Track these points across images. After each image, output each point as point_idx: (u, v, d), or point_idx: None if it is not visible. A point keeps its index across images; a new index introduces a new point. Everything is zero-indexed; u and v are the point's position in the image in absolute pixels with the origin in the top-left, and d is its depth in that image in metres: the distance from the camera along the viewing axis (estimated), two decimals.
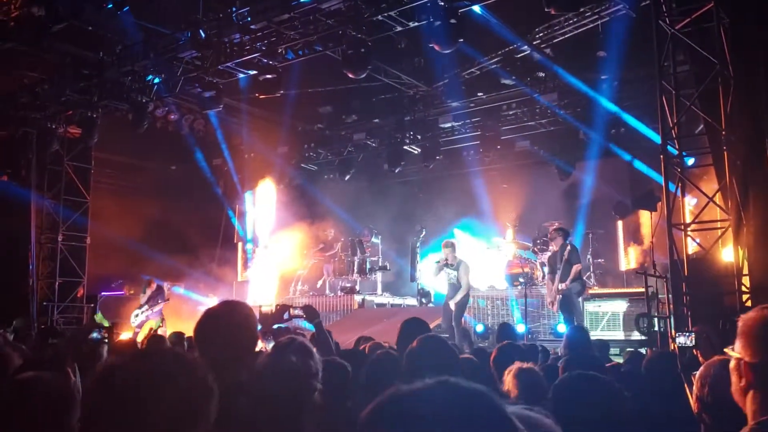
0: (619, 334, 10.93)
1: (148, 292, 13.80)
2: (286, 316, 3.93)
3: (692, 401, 2.44)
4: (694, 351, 3.90)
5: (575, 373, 2.40)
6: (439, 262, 10.92)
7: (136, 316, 13.75)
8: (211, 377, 1.44)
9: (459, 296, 10.49)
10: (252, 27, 10.89)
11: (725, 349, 1.81)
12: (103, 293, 15.57)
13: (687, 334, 4.92)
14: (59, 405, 1.99)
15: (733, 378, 1.73)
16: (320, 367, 2.59)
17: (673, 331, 7.66)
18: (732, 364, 1.74)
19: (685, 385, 2.59)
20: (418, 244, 14.86)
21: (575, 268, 10.44)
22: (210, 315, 2.54)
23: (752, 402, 1.67)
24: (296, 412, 2.15)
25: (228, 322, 2.45)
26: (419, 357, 2.66)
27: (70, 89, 13.23)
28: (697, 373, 2.41)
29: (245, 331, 2.46)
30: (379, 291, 15.75)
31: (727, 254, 8.23)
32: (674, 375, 3.44)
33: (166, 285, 15.71)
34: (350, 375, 3.07)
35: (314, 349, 2.70)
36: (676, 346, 5.95)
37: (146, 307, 13.71)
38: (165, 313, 13.30)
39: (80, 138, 14.35)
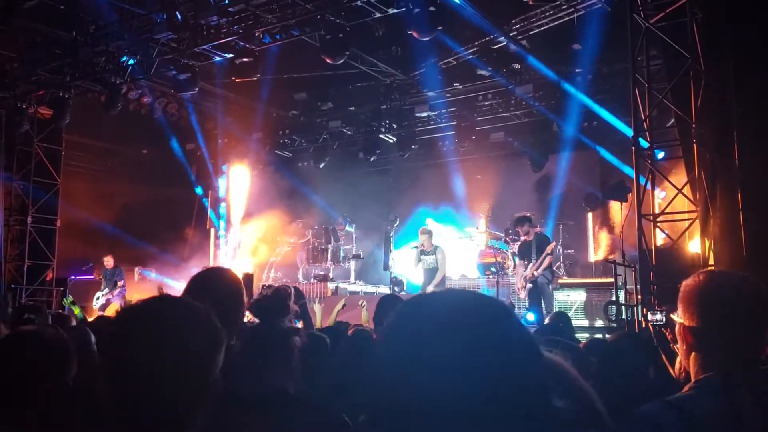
0: (586, 323, 11.15)
1: (107, 269, 13.85)
2: None
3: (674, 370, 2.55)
4: (662, 329, 4.02)
5: (544, 338, 2.47)
6: (417, 247, 11.03)
7: (98, 299, 13.71)
8: (221, 327, 1.46)
9: (437, 279, 10.63)
10: (229, 9, 10.82)
11: (671, 315, 1.90)
12: (72, 277, 15.39)
13: (659, 312, 5.09)
14: (58, 356, 2.01)
15: (679, 342, 1.82)
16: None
17: (644, 309, 7.83)
18: (677, 328, 1.83)
19: (663, 356, 2.70)
20: (392, 233, 14.93)
21: (549, 259, 10.65)
22: (201, 273, 2.60)
23: (694, 363, 1.77)
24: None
25: (219, 280, 2.51)
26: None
27: (41, 69, 13.00)
28: None
29: (234, 292, 2.50)
30: (352, 279, 15.78)
31: (694, 245, 8.45)
32: (638, 354, 3.53)
33: (137, 269, 15.62)
34: (328, 345, 3.14)
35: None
36: (648, 324, 6.11)
37: (107, 290, 13.68)
38: (135, 297, 13.16)
39: (51, 119, 14.09)
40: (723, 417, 1.62)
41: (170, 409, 1.36)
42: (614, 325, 9.03)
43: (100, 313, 12.67)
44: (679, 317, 1.81)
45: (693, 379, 1.75)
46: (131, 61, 12.63)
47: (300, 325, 4.12)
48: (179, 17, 10.85)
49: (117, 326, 1.44)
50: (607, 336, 7.09)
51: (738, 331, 1.70)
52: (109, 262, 13.97)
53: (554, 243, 10.76)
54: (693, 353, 1.77)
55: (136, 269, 15.70)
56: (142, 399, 1.34)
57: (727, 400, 1.64)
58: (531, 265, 10.65)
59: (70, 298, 10.49)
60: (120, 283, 13.82)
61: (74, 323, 7.81)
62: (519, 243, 11.65)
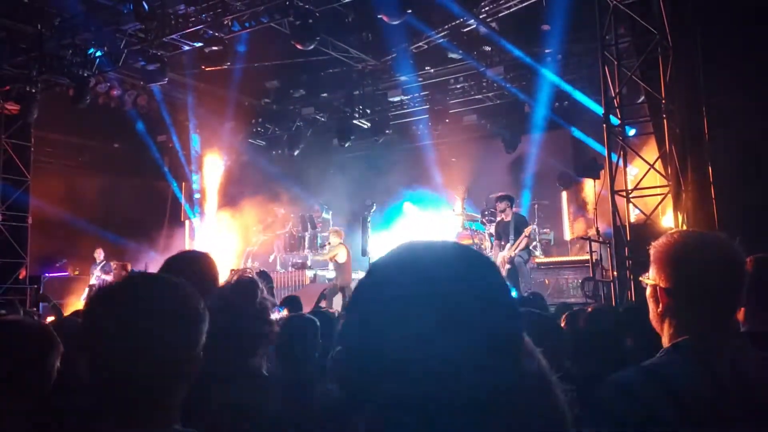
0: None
1: (98, 260, 13.87)
2: None
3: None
4: None
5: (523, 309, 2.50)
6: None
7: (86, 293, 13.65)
8: (202, 303, 1.47)
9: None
10: None
11: (640, 277, 1.83)
12: (46, 274, 15.19)
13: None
14: (40, 344, 2.01)
15: (651, 305, 1.75)
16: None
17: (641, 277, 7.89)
18: (648, 291, 1.76)
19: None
20: (369, 219, 14.93)
21: (526, 241, 10.79)
22: (175, 256, 2.60)
23: (669, 326, 1.70)
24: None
25: (191, 261, 2.52)
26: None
27: (7, 64, 12.74)
28: None
29: (207, 271, 2.51)
30: (330, 266, 15.76)
31: (667, 220, 8.58)
32: (616, 324, 3.60)
33: (113, 264, 15.49)
34: (318, 329, 3.16)
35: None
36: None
37: (95, 286, 13.62)
38: None
39: (19, 115, 13.83)
40: (699, 381, 1.56)
41: (149, 384, 1.36)
42: (592, 301, 9.16)
43: None
44: (651, 279, 1.74)
45: (667, 343, 1.70)
46: (99, 54, 12.42)
47: (285, 312, 4.12)
48: (146, 7, 10.66)
49: (92, 305, 1.44)
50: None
51: (713, 291, 1.65)
52: (99, 255, 13.96)
53: (531, 225, 10.88)
54: (668, 315, 1.71)
55: (112, 264, 15.54)
56: (119, 376, 1.35)
57: (702, 363, 1.59)
58: (509, 245, 10.74)
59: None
60: (104, 275, 13.86)
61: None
62: (495, 223, 11.70)
